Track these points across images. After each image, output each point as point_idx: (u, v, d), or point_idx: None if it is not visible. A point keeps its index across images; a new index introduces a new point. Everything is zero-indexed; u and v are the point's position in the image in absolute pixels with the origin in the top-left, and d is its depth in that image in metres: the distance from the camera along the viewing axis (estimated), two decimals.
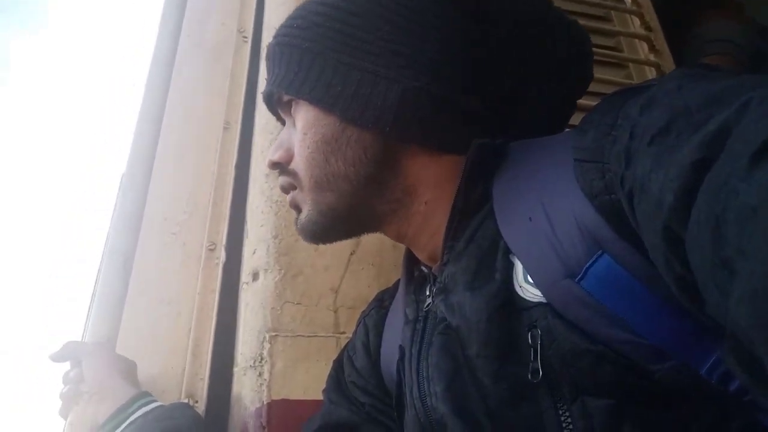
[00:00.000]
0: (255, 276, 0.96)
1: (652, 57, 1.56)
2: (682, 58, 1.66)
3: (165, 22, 1.33)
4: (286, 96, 0.60)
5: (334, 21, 0.57)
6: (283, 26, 0.62)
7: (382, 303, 0.72)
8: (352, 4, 0.57)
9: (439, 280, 0.55)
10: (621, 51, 1.56)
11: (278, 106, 0.63)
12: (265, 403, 0.83)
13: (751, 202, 0.25)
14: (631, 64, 1.53)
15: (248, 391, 0.86)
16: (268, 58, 0.63)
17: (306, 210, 0.59)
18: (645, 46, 1.58)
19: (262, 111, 1.11)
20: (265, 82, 0.64)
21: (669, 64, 1.55)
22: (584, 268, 0.43)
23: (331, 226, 0.59)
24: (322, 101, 0.56)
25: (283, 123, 0.64)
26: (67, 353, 0.83)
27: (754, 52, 1.78)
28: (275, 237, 0.97)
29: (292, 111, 0.60)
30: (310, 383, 0.84)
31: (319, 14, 0.58)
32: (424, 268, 0.62)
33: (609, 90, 0.50)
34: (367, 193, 0.58)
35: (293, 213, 0.63)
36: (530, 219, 0.48)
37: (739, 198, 0.26)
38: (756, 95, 0.31)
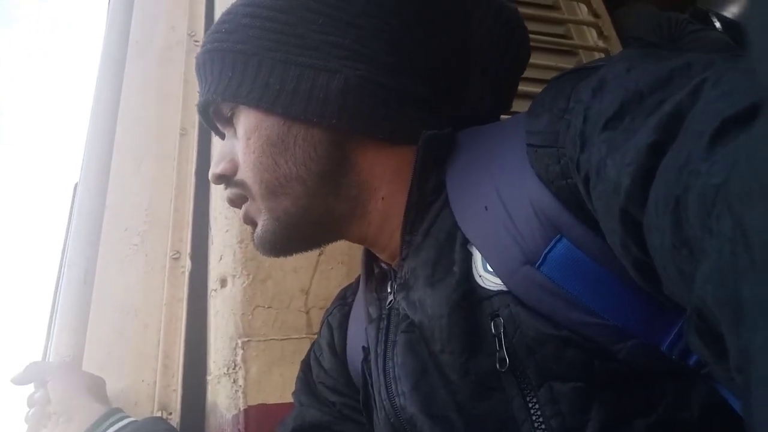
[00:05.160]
0: (223, 282, 0.94)
1: (601, 43, 1.60)
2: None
3: (111, 28, 1.29)
4: (223, 104, 0.57)
5: (264, 20, 0.55)
6: (210, 33, 0.59)
7: (345, 300, 0.72)
8: (279, 0, 0.55)
9: (399, 275, 0.54)
10: (570, 38, 1.59)
11: (215, 118, 0.60)
12: (241, 409, 0.82)
13: (713, 182, 0.25)
14: (581, 51, 1.56)
15: (223, 398, 0.84)
16: (198, 68, 0.60)
17: (261, 221, 0.57)
18: (594, 32, 1.62)
19: None
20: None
21: (618, 49, 1.59)
22: (543, 254, 0.43)
23: (290, 234, 0.57)
24: (262, 102, 0.54)
25: (222, 136, 0.62)
26: (30, 375, 0.80)
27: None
28: (241, 242, 0.95)
29: (231, 120, 0.58)
30: (285, 386, 0.84)
31: (246, 15, 0.56)
32: (383, 265, 0.61)
33: None
34: (322, 193, 0.56)
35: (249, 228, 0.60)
36: (486, 208, 0.48)
37: (701, 178, 0.26)
38: (708, 76, 0.32)
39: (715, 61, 0.34)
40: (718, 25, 2.04)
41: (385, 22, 0.55)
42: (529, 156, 0.46)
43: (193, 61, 1.24)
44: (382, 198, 0.57)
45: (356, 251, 0.98)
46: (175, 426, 0.84)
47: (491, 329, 0.45)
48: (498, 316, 0.45)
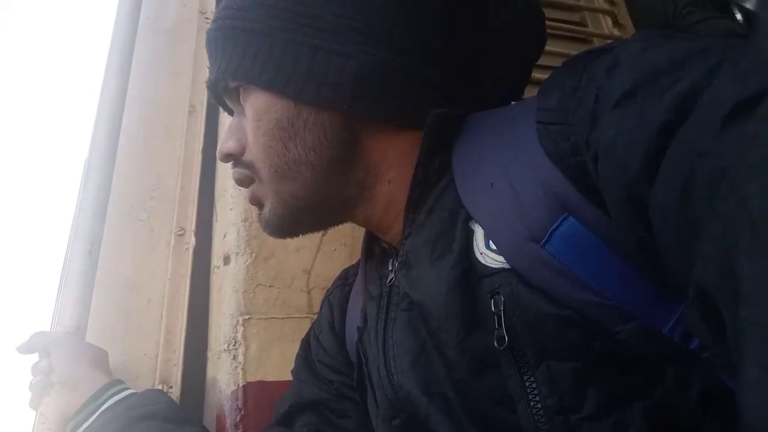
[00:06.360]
0: (226, 260, 0.95)
1: (616, 31, 1.58)
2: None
3: (122, 4, 1.29)
4: (233, 83, 0.56)
5: None
6: (222, 8, 0.57)
7: (346, 280, 0.72)
8: None
9: (401, 254, 0.54)
10: (585, 26, 1.57)
11: (225, 95, 0.59)
12: (240, 385, 0.82)
13: (721, 164, 0.25)
14: (595, 39, 1.54)
15: (223, 374, 0.85)
16: (208, 45, 0.58)
17: (269, 203, 0.57)
18: (609, 20, 1.60)
19: None
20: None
21: None
22: (549, 232, 0.42)
23: (297, 217, 0.57)
24: (274, 84, 0.53)
25: (231, 112, 0.61)
26: (35, 344, 0.81)
27: None
28: (245, 220, 0.96)
29: (240, 98, 0.56)
30: (285, 364, 0.84)
31: None
32: (384, 245, 0.61)
33: None
34: (330, 177, 0.55)
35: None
36: (492, 185, 0.47)
37: (710, 159, 0.26)
38: (725, 59, 0.31)
39: (732, 45, 0.34)
40: (738, 16, 1.99)
41: (403, 5, 0.54)
42: (539, 133, 0.45)
43: (204, 39, 1.24)
44: (389, 181, 0.56)
45: (359, 233, 0.98)
46: (175, 399, 0.85)
47: (491, 307, 0.44)
48: (498, 293, 0.44)
